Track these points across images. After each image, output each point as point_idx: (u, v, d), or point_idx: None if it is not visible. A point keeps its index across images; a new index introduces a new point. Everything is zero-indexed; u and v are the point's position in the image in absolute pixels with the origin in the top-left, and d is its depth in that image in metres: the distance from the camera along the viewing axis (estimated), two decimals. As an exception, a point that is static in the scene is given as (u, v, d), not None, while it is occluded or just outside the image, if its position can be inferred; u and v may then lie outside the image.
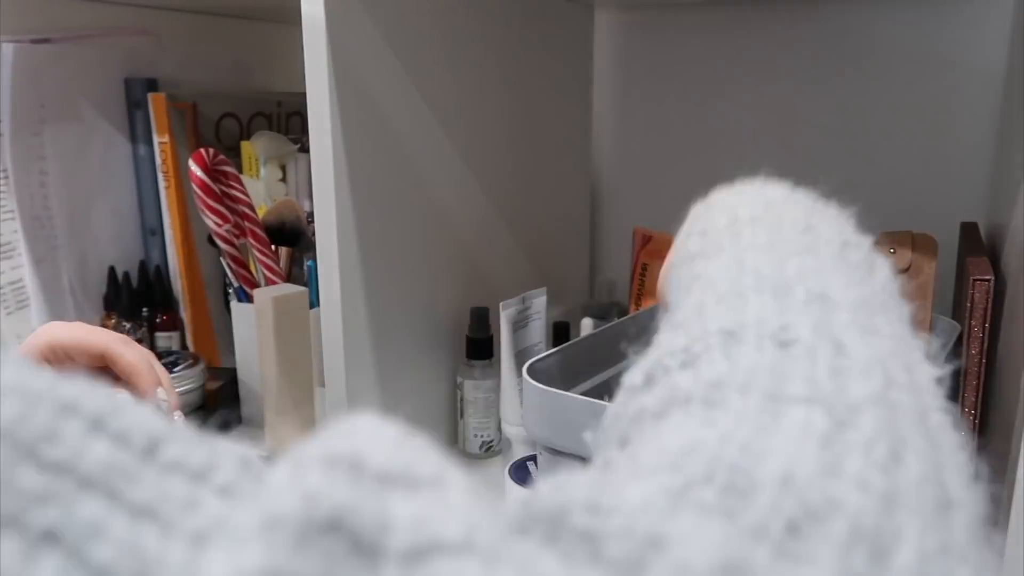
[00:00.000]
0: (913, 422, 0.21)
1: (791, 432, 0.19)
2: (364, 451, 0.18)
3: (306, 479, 0.17)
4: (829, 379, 0.21)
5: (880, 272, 0.28)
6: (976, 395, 0.54)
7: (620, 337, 0.62)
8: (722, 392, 0.21)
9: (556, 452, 0.51)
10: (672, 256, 0.34)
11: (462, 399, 0.69)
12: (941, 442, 0.21)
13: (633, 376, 0.24)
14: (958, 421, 0.22)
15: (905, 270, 0.56)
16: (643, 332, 0.28)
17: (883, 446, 0.19)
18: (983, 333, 0.53)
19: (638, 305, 0.83)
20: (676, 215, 0.98)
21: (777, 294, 0.25)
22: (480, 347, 0.69)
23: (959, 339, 0.58)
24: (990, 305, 0.52)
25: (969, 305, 0.53)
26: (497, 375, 0.68)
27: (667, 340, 0.25)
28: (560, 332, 0.78)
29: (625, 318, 0.69)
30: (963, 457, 0.21)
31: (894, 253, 0.56)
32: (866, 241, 0.30)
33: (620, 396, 0.25)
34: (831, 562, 0.16)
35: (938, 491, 0.19)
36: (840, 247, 0.28)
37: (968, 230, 0.71)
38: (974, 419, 0.54)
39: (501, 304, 0.65)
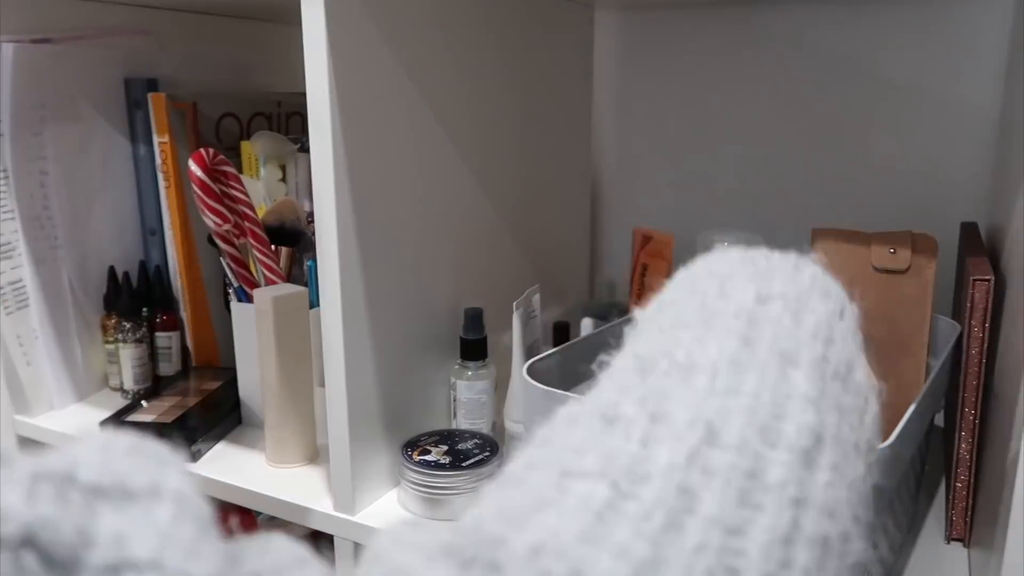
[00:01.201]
0: (722, 485, 0.21)
1: (567, 505, 0.21)
2: (79, 464, 0.18)
3: (3, 496, 0.17)
4: (637, 448, 0.22)
5: (812, 312, 0.28)
6: (976, 395, 0.54)
7: (620, 337, 0.62)
8: (532, 470, 0.23)
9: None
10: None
11: (455, 400, 0.69)
12: (759, 502, 0.21)
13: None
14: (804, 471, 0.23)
15: (905, 270, 0.56)
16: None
17: (660, 515, 0.20)
18: (983, 333, 0.53)
19: (638, 305, 0.83)
20: (676, 215, 0.99)
21: (643, 369, 0.26)
22: (474, 348, 0.68)
23: (959, 339, 0.58)
24: (990, 305, 0.52)
25: (969, 305, 0.53)
26: (490, 376, 0.69)
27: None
28: (560, 332, 0.78)
29: (625, 318, 0.69)
30: (785, 518, 0.21)
31: (895, 253, 0.56)
32: (795, 287, 0.29)
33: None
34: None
35: (720, 560, 0.20)
36: (755, 303, 0.28)
37: (968, 230, 0.71)
38: (974, 419, 0.54)
39: (515, 303, 0.65)
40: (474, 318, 0.68)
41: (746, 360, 0.25)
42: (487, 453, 0.64)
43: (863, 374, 0.28)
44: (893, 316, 0.56)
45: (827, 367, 0.27)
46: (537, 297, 0.70)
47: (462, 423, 0.69)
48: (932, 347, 0.58)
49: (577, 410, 0.25)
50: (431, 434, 0.67)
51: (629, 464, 0.22)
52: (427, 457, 0.63)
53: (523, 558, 0.20)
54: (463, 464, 0.62)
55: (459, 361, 0.69)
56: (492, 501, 0.22)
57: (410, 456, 0.63)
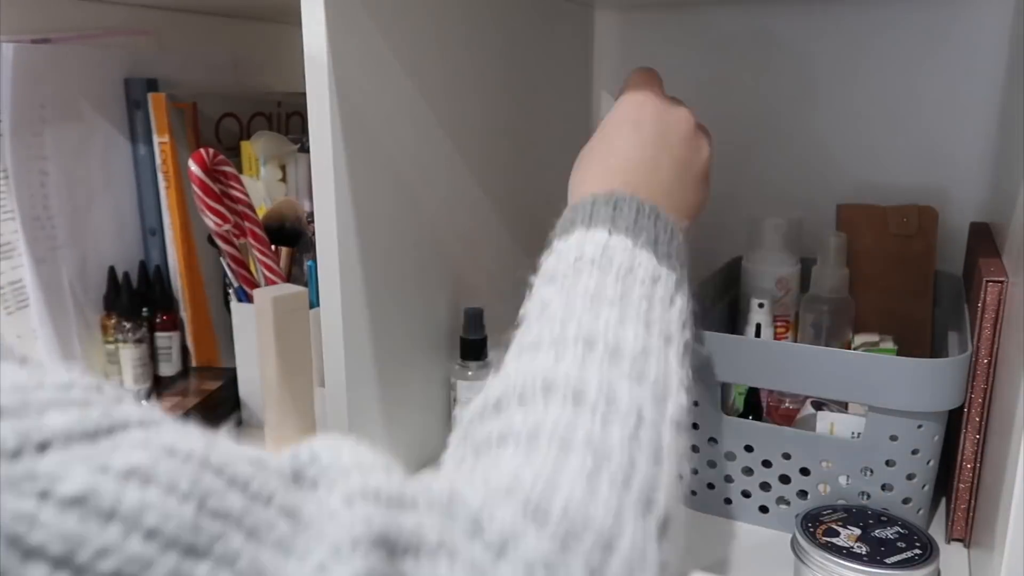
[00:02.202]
0: (648, 453, 0.33)
1: (572, 471, 0.31)
2: None
3: None
4: (600, 429, 0.33)
5: (677, 303, 0.42)
6: (983, 397, 0.54)
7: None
8: (538, 438, 0.32)
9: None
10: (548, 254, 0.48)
11: (455, 400, 0.69)
12: (663, 461, 0.34)
13: (487, 397, 0.37)
14: (681, 430, 0.36)
15: (914, 234, 0.71)
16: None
17: (620, 475, 0.32)
18: (994, 334, 0.53)
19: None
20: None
21: (586, 347, 0.37)
22: (474, 348, 0.68)
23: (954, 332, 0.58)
24: (1003, 307, 0.52)
25: (980, 307, 0.53)
26: (491, 376, 0.69)
27: (512, 366, 0.39)
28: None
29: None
30: (673, 467, 0.34)
31: (906, 221, 0.71)
32: (675, 275, 0.43)
33: (475, 409, 0.37)
34: (582, 556, 0.28)
35: (647, 500, 0.32)
36: (651, 284, 0.41)
37: (978, 230, 0.71)
38: (980, 420, 0.54)
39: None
40: (474, 318, 0.68)
41: (657, 344, 0.39)
42: (917, 551, 0.49)
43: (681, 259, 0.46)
44: (906, 269, 0.72)
45: (670, 259, 0.44)
46: None
47: (462, 423, 0.69)
48: (935, 295, 0.73)
49: (551, 380, 0.36)
50: (834, 508, 0.54)
51: (600, 442, 0.33)
52: (834, 540, 0.50)
53: (557, 515, 0.29)
54: (886, 561, 0.48)
55: (459, 361, 0.69)
56: (512, 470, 0.31)
57: (812, 533, 0.50)
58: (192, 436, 0.23)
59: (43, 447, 0.19)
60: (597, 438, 0.33)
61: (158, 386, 0.84)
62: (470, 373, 0.68)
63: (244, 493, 0.22)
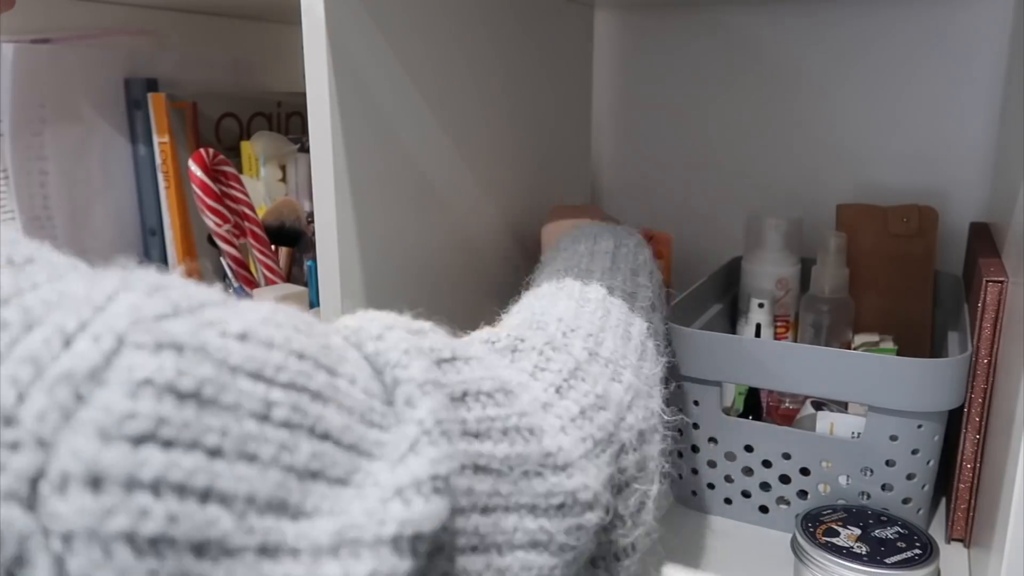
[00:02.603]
0: (620, 302, 0.46)
1: (560, 304, 0.43)
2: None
3: None
4: (580, 287, 0.46)
5: (643, 269, 0.55)
6: (983, 397, 0.54)
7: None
8: (533, 299, 0.46)
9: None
10: (553, 243, 0.61)
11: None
12: (635, 312, 0.46)
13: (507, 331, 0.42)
14: (650, 306, 0.50)
15: (914, 235, 0.72)
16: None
17: (599, 311, 0.43)
18: (994, 334, 0.53)
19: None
20: (676, 215, 0.99)
21: (578, 303, 0.45)
22: None
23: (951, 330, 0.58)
24: (1003, 307, 0.52)
25: (980, 307, 0.53)
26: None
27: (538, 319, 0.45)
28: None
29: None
30: (644, 317, 0.47)
31: (906, 222, 0.72)
32: (644, 253, 0.58)
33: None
34: (580, 341, 0.39)
35: (624, 331, 0.43)
36: (615, 248, 0.55)
37: (978, 230, 0.71)
38: (980, 421, 0.54)
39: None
40: None
41: (616, 269, 0.52)
42: (917, 551, 0.48)
43: (664, 289, 0.58)
44: (906, 269, 0.73)
45: (652, 279, 0.56)
46: None
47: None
48: (935, 295, 0.73)
49: (539, 288, 0.49)
50: (834, 508, 0.54)
51: (579, 296, 0.45)
52: (834, 540, 0.50)
53: (554, 322, 0.40)
54: (886, 561, 0.47)
55: None
56: (520, 315, 0.43)
57: (812, 533, 0.50)
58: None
59: (202, 307, 0.23)
60: (577, 294, 0.45)
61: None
62: None
63: (332, 373, 0.26)
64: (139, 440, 0.19)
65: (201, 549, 0.19)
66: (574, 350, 0.38)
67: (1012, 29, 0.75)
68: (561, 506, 0.31)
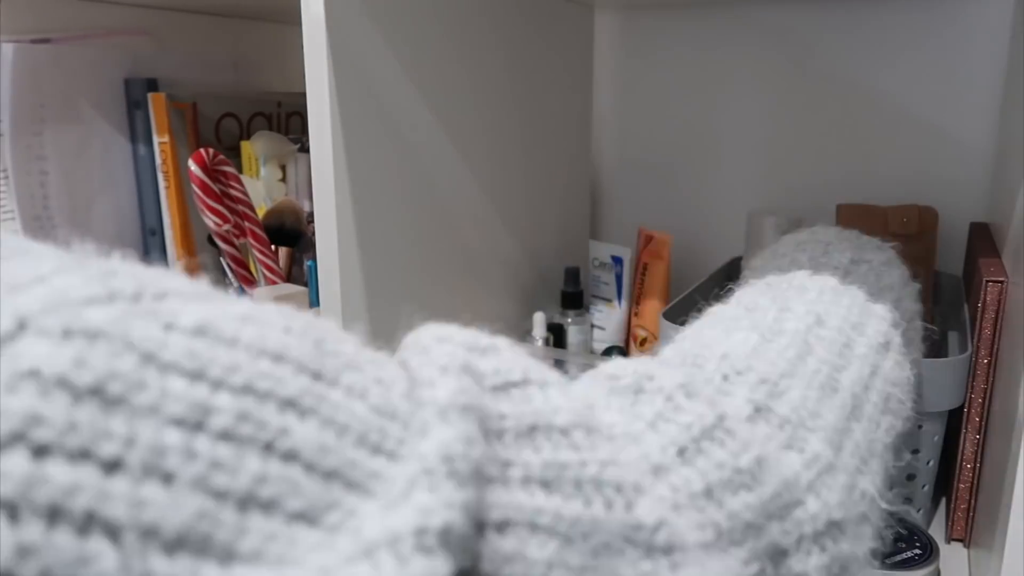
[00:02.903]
0: (829, 346, 0.34)
1: (732, 340, 0.33)
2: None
3: None
4: (771, 321, 0.35)
5: (889, 276, 0.44)
6: (983, 397, 0.54)
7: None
8: (702, 330, 0.36)
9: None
10: (768, 252, 0.50)
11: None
12: (853, 361, 0.34)
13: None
14: (893, 356, 0.37)
15: (914, 235, 0.71)
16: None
17: (792, 351, 0.32)
18: (994, 335, 0.53)
19: (638, 304, 0.83)
20: (676, 215, 0.99)
21: (764, 288, 0.40)
22: (573, 299, 0.79)
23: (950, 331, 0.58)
24: (1003, 308, 0.52)
25: (981, 307, 0.53)
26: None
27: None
28: (557, 332, 0.78)
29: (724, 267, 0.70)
30: (867, 371, 0.34)
31: (906, 222, 0.72)
32: (881, 256, 0.46)
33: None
34: (744, 389, 0.29)
35: (828, 379, 0.32)
36: (849, 263, 0.44)
37: (978, 230, 0.71)
38: (980, 421, 0.54)
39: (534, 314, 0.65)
40: (573, 274, 0.79)
41: (842, 291, 0.39)
42: (917, 551, 0.47)
43: (920, 322, 0.45)
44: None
45: (899, 308, 0.41)
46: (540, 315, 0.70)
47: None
48: (935, 295, 0.74)
49: (724, 307, 0.39)
50: None
51: (769, 326, 0.34)
52: None
53: (716, 359, 0.31)
54: (886, 561, 0.47)
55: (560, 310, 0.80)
56: (681, 344, 0.34)
57: None
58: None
59: (161, 296, 0.19)
60: (767, 324, 0.34)
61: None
62: (569, 320, 0.79)
63: (345, 345, 0.22)
64: (3, 444, 0.15)
65: None
66: (727, 401, 0.28)
67: (1012, 29, 0.75)
68: None
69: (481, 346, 0.24)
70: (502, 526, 0.20)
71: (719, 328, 0.35)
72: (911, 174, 0.82)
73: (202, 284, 0.21)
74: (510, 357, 0.24)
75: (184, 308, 0.19)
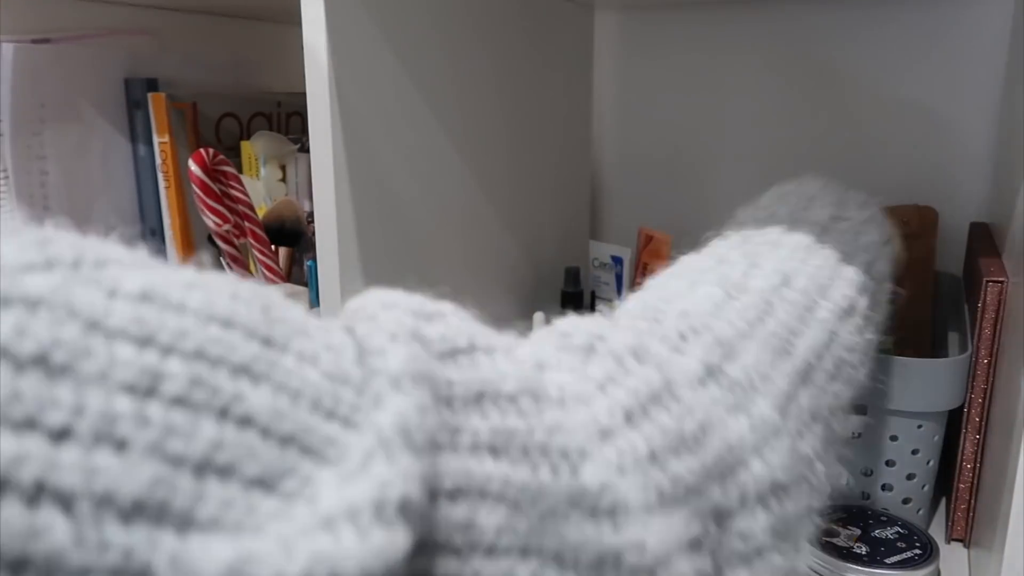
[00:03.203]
0: (791, 308, 0.33)
1: (695, 295, 0.33)
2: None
3: None
4: (740, 274, 0.34)
5: (868, 236, 0.43)
6: (983, 397, 0.54)
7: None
8: (668, 279, 0.36)
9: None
10: (754, 208, 0.49)
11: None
12: (812, 326, 0.34)
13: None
14: (853, 323, 0.36)
15: (914, 235, 0.70)
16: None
17: (752, 311, 0.32)
18: (994, 335, 0.53)
19: (638, 305, 0.83)
20: (676, 215, 0.99)
21: (740, 241, 0.39)
22: (573, 299, 0.78)
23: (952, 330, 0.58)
24: (1003, 308, 0.52)
25: (981, 307, 0.53)
26: None
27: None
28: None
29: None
30: (826, 337, 0.34)
31: (906, 222, 0.70)
32: (862, 215, 0.45)
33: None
34: (698, 349, 0.29)
35: (783, 343, 0.32)
36: (829, 219, 0.43)
37: (978, 230, 0.71)
38: (980, 421, 0.54)
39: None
40: (574, 273, 0.78)
41: (816, 249, 0.38)
42: (917, 551, 0.48)
43: (888, 284, 0.44)
44: (906, 270, 0.73)
45: (871, 271, 0.40)
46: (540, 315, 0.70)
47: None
48: (935, 295, 0.73)
49: (697, 257, 0.38)
50: (834, 508, 0.53)
51: (735, 283, 0.34)
52: (834, 540, 0.49)
53: (675, 316, 0.31)
54: (886, 561, 0.47)
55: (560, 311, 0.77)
56: (646, 294, 0.34)
57: None
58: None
59: (101, 264, 0.18)
60: (733, 279, 0.33)
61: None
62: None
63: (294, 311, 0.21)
64: None
65: (18, 568, 0.14)
66: (679, 362, 0.28)
67: (1012, 29, 0.75)
68: (599, 565, 0.23)
69: (427, 312, 0.25)
70: (454, 494, 0.20)
71: (685, 280, 0.35)
72: (911, 174, 0.82)
73: (138, 251, 0.20)
74: (456, 323, 0.25)
75: (126, 275, 0.18)
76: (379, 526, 0.17)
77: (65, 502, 0.15)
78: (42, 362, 0.16)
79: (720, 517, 0.26)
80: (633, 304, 0.33)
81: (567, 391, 0.25)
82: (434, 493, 0.20)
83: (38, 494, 0.14)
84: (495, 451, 0.21)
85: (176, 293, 0.18)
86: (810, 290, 0.35)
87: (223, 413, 0.17)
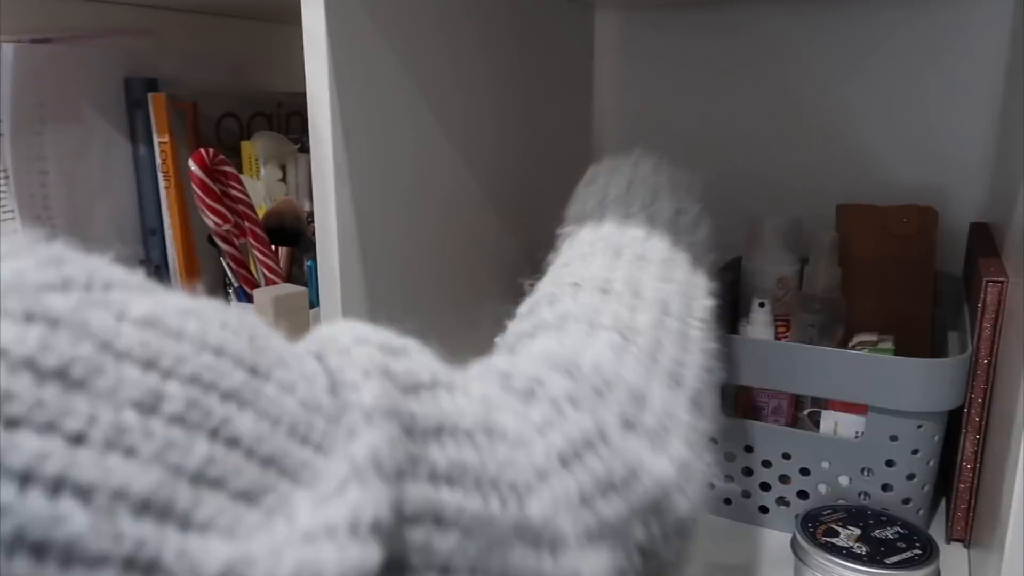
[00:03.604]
0: (674, 339, 0.36)
1: (600, 343, 0.33)
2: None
3: None
4: (628, 313, 0.36)
5: (703, 229, 0.48)
6: (983, 397, 0.54)
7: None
8: (567, 321, 0.35)
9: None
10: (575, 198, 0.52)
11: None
12: (690, 349, 0.37)
13: (521, 307, 0.40)
14: (709, 331, 0.39)
15: (914, 235, 0.71)
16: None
17: (647, 351, 0.34)
18: (994, 334, 0.53)
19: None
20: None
21: (614, 255, 0.41)
22: None
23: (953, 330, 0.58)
24: (1003, 308, 0.52)
25: (980, 307, 0.53)
26: None
27: (544, 284, 0.41)
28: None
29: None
30: (701, 356, 0.37)
31: (906, 222, 0.71)
32: (696, 208, 0.49)
33: (514, 320, 0.39)
34: (616, 405, 0.30)
35: (675, 377, 0.34)
36: (674, 214, 0.46)
37: (978, 230, 0.71)
38: (980, 421, 0.54)
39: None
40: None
41: (675, 262, 0.42)
42: (917, 551, 0.48)
43: (713, 255, 0.48)
44: (906, 269, 0.73)
45: (710, 267, 0.45)
46: None
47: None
48: (935, 295, 0.73)
49: (579, 281, 0.39)
50: (834, 508, 0.54)
51: (627, 324, 0.35)
52: (834, 540, 0.49)
53: (590, 369, 0.31)
54: (886, 561, 0.47)
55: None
56: (543, 345, 0.34)
57: (812, 533, 0.50)
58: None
59: (108, 287, 0.21)
60: (624, 319, 0.35)
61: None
62: None
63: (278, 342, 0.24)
64: None
65: (41, 551, 0.16)
66: (602, 410, 0.30)
67: (1012, 30, 0.75)
68: None
69: (394, 347, 0.27)
70: (413, 519, 0.22)
71: (583, 321, 0.36)
72: (911, 174, 0.82)
73: (136, 275, 0.23)
74: (420, 359, 0.27)
75: (131, 299, 0.21)
76: (354, 543, 0.20)
77: (83, 495, 0.17)
78: (62, 375, 0.18)
79: (645, 549, 0.29)
80: (539, 349, 0.34)
81: (511, 432, 0.27)
82: (399, 517, 0.22)
83: (59, 486, 0.16)
84: (451, 481, 0.24)
85: (175, 320, 0.21)
86: (683, 313, 0.38)
87: (214, 433, 0.19)
